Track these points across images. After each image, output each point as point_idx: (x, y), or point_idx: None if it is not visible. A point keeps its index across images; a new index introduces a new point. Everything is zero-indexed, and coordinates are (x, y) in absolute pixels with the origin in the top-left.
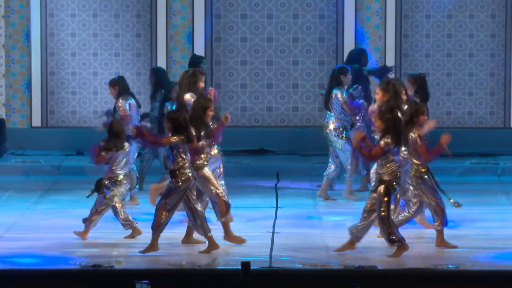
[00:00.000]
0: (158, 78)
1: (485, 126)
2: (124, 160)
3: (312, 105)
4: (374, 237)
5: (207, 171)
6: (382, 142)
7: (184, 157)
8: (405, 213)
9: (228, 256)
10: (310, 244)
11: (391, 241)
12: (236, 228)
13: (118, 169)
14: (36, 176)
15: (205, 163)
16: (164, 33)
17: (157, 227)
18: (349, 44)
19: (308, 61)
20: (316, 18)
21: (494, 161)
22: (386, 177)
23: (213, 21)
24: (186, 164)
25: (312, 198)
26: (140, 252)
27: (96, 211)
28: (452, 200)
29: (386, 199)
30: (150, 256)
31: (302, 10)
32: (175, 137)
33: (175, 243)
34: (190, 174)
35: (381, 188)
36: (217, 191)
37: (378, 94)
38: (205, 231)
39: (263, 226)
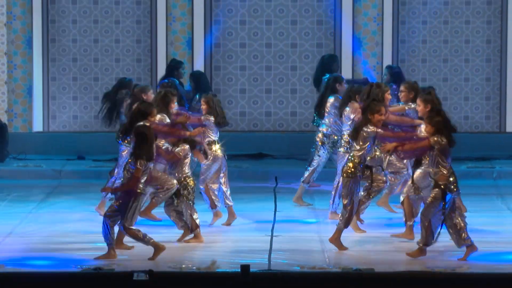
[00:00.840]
0: (197, 83)
1: (481, 130)
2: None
3: (310, 110)
4: (372, 240)
5: None
6: (433, 138)
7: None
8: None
9: (228, 259)
10: (308, 247)
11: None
12: (235, 231)
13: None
14: (38, 180)
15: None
16: (164, 39)
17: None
18: (346, 50)
19: (306, 67)
20: (314, 24)
21: (490, 165)
22: (441, 182)
23: (213, 27)
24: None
25: (310, 201)
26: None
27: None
28: None
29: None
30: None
31: (300, 16)
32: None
33: (175, 246)
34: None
35: (437, 191)
36: None
37: (419, 106)
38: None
39: (262, 229)
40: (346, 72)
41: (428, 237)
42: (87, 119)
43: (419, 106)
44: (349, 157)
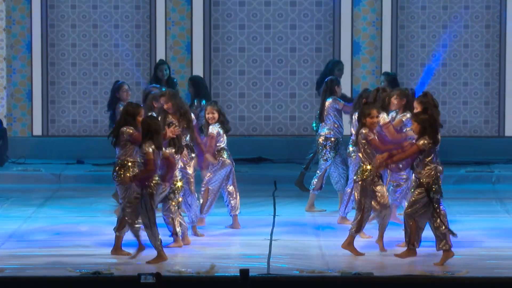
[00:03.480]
0: (196, 88)
1: (479, 134)
2: None
3: (309, 114)
4: (372, 244)
5: None
6: (420, 142)
7: None
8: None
9: (227, 263)
10: (307, 251)
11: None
12: (234, 235)
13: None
14: (37, 184)
15: None
16: (163, 43)
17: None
18: (345, 54)
19: (305, 71)
20: (313, 29)
21: (488, 169)
22: (424, 179)
23: (212, 31)
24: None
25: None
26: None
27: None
28: None
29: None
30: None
31: (299, 20)
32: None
33: (174, 250)
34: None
35: (420, 190)
36: None
37: (416, 108)
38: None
39: (261, 233)
40: (345, 77)
41: (415, 237)
42: (86, 123)
43: (416, 109)
44: (359, 163)
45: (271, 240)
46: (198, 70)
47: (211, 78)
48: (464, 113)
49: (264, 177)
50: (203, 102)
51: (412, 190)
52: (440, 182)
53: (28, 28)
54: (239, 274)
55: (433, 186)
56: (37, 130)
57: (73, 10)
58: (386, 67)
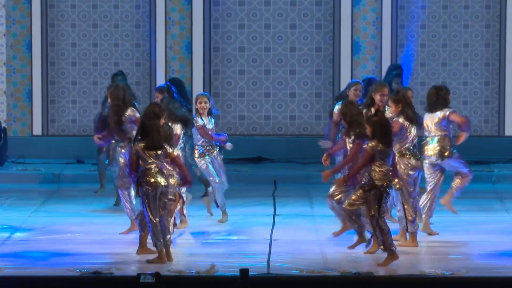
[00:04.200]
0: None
1: (480, 134)
2: None
3: (309, 114)
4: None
5: None
6: (369, 145)
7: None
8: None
9: (227, 262)
10: (307, 251)
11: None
12: (234, 234)
13: None
14: (37, 184)
15: None
16: (163, 43)
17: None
18: (345, 54)
19: (305, 71)
20: (313, 28)
21: (488, 169)
22: (378, 182)
23: (212, 31)
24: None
25: (309, 205)
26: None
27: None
28: None
29: (377, 205)
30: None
31: (299, 20)
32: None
33: (174, 250)
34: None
35: (373, 192)
36: None
37: (391, 107)
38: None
39: (261, 233)
40: (345, 76)
41: (387, 239)
42: (86, 123)
43: (391, 108)
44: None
45: (271, 239)
46: (198, 69)
47: (211, 77)
48: (464, 113)
49: (264, 177)
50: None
51: (362, 189)
52: (392, 183)
53: (28, 27)
54: (239, 273)
55: (386, 189)
56: (37, 129)
57: (73, 10)
58: (386, 66)
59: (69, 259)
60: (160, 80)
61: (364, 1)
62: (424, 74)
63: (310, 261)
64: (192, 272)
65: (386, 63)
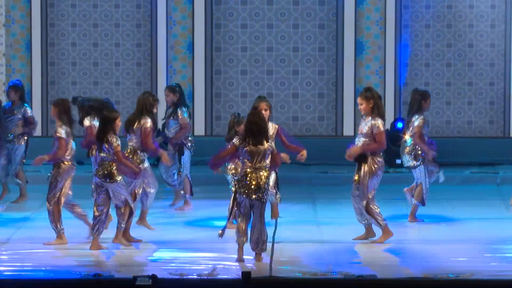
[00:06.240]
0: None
1: (484, 135)
2: None
3: (312, 115)
4: (374, 246)
5: None
6: (234, 141)
7: None
8: None
9: (229, 265)
10: (310, 253)
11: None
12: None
13: None
14: (37, 185)
15: None
16: (164, 42)
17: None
18: (348, 54)
19: (308, 71)
20: (316, 28)
21: (493, 170)
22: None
23: (213, 30)
24: None
25: (312, 207)
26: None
27: None
28: None
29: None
30: (151, 265)
31: (302, 20)
32: None
33: (174, 252)
34: None
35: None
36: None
37: (361, 105)
38: None
39: None
40: (349, 76)
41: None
42: None
43: (361, 105)
44: None
45: (273, 242)
46: (199, 70)
47: (212, 78)
48: (469, 114)
49: None
50: (184, 110)
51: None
52: (248, 183)
53: (28, 27)
54: (241, 276)
55: (240, 187)
56: (37, 130)
57: (73, 9)
58: (390, 66)
59: (69, 261)
60: (161, 81)
61: (367, 0)
62: (428, 74)
63: (313, 264)
64: (194, 275)
65: (390, 63)
